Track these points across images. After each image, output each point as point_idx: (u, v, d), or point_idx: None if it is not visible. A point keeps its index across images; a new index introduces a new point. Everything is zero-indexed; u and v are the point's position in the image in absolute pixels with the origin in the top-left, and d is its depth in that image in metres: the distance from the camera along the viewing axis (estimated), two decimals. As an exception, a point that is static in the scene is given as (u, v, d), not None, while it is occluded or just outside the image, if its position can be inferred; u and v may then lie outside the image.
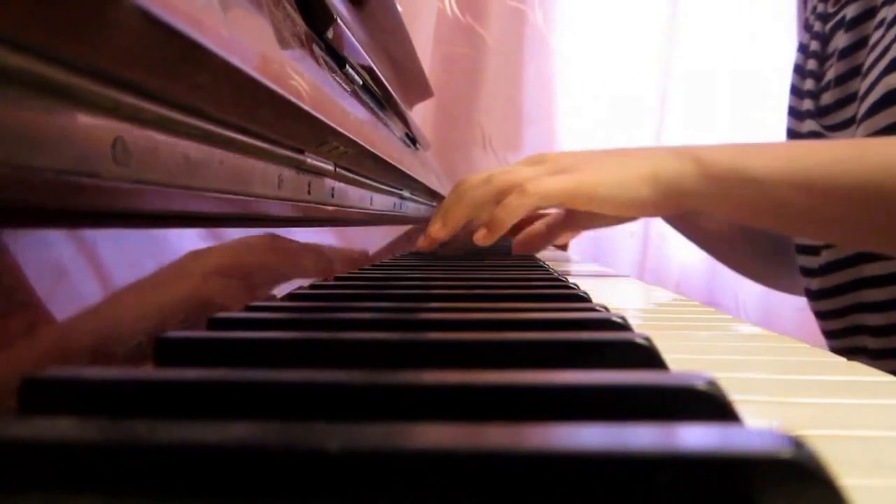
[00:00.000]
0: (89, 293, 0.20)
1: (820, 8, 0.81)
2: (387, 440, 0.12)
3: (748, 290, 1.57)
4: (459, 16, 1.61)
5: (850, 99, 0.72)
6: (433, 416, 0.16)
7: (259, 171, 0.32)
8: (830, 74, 0.75)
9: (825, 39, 0.79)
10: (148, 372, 0.21)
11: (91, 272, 0.21)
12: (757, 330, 0.36)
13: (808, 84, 0.79)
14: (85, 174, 0.19)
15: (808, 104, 0.79)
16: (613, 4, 1.62)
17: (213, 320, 0.26)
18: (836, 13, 0.77)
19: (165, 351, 0.22)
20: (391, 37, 0.82)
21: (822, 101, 0.77)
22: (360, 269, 0.54)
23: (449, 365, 0.21)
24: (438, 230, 0.68)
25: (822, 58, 0.79)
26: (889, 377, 0.25)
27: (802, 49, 0.84)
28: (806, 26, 0.85)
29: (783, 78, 1.54)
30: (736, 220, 0.66)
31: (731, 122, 1.57)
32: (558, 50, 1.62)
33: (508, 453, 0.12)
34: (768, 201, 0.57)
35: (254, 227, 0.35)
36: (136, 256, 0.24)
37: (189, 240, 0.28)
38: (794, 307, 1.56)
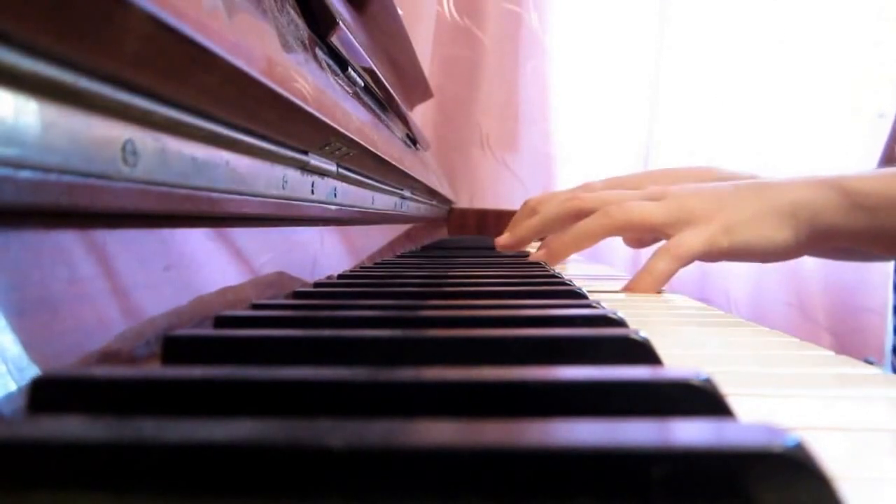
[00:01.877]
0: (100, 292, 0.21)
1: None
2: (389, 437, 0.12)
3: (739, 288, 1.57)
4: (458, 18, 1.62)
5: None
6: (434, 412, 0.16)
7: (264, 172, 0.33)
8: None
9: None
10: (156, 370, 0.21)
11: (102, 271, 0.21)
12: (749, 325, 0.36)
13: None
14: (96, 176, 0.19)
15: None
16: (607, 6, 1.63)
17: (219, 318, 0.27)
18: None
19: (173, 349, 0.23)
20: (392, 39, 0.82)
21: None
22: (362, 268, 0.54)
23: (449, 361, 0.22)
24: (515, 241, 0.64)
25: None
26: (877, 370, 0.25)
27: None
28: None
29: (775, 78, 1.54)
30: (881, 250, 0.57)
31: (724, 122, 1.58)
32: (553, 51, 1.63)
33: (508, 450, 0.12)
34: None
35: (259, 226, 0.35)
36: (144, 256, 0.24)
37: (196, 239, 0.28)
38: (784, 302, 1.57)
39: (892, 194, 0.51)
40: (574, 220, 0.58)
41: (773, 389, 0.23)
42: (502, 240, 0.67)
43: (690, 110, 1.60)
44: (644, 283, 0.52)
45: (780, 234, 0.52)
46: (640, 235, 0.62)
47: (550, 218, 0.62)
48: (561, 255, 0.61)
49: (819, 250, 0.61)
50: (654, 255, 0.53)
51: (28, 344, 0.17)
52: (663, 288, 0.53)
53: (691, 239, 0.52)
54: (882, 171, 0.56)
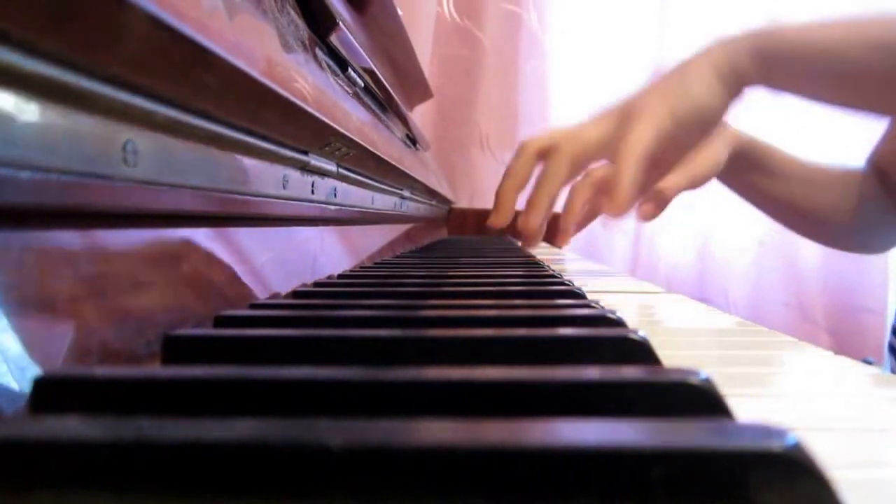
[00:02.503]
0: (100, 291, 0.21)
1: None
2: (387, 437, 0.12)
3: (738, 287, 1.57)
4: (457, 19, 1.62)
5: None
6: (433, 412, 0.16)
7: (265, 172, 0.33)
8: None
9: None
10: (157, 370, 0.21)
11: (102, 271, 0.21)
12: (747, 325, 0.36)
13: None
14: (96, 176, 0.19)
15: None
16: (606, 7, 1.63)
17: (219, 318, 0.27)
18: None
19: (174, 348, 0.23)
20: (392, 40, 0.82)
21: None
22: (361, 268, 0.54)
23: (449, 360, 0.22)
24: (526, 221, 0.63)
25: None
26: (876, 370, 0.25)
27: None
28: None
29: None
30: (794, 94, 0.64)
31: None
32: (553, 51, 1.63)
33: (507, 449, 0.12)
34: (817, 72, 0.57)
35: (260, 226, 0.35)
36: (145, 255, 0.24)
37: (197, 239, 0.28)
38: (782, 302, 1.57)
39: (793, 41, 0.58)
40: (536, 162, 0.60)
41: (772, 390, 0.23)
42: (491, 221, 0.66)
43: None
44: (618, 198, 0.53)
45: (715, 98, 0.58)
46: (601, 157, 0.61)
47: (516, 173, 0.63)
48: (539, 212, 0.61)
49: (741, 92, 0.63)
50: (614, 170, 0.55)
51: (29, 344, 0.17)
52: (662, 288, 0.53)
53: (638, 133, 0.54)
54: (792, 24, 0.61)
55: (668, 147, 0.57)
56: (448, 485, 0.12)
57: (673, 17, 1.62)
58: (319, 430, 0.13)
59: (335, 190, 0.47)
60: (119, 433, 0.13)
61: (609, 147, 0.57)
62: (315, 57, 0.40)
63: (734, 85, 0.59)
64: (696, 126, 0.59)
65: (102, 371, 0.18)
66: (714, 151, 0.69)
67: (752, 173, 0.79)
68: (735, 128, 0.70)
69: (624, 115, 0.57)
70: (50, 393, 0.17)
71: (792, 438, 0.12)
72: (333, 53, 0.49)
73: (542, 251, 1.02)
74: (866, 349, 1.48)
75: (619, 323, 0.27)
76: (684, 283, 1.56)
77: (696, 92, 0.57)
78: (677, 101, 0.57)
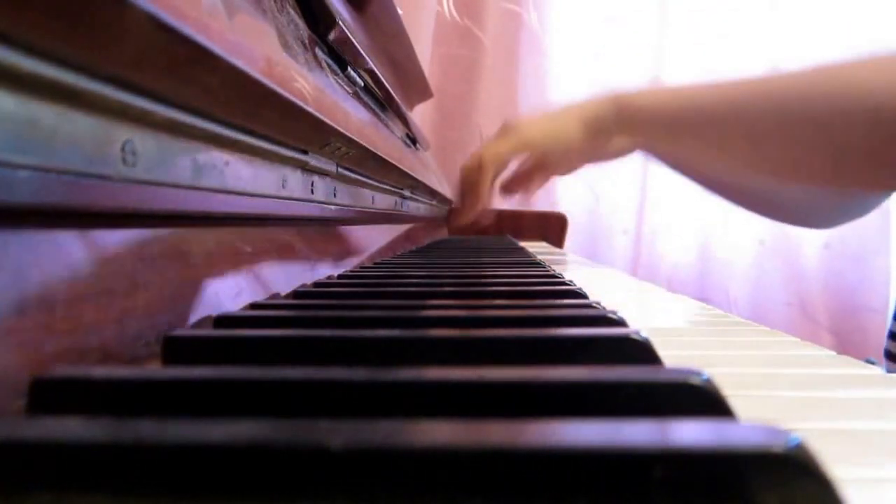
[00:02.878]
0: (99, 292, 0.21)
1: None
2: (388, 438, 0.12)
3: (739, 287, 1.57)
4: (457, 18, 1.62)
5: None
6: (434, 412, 0.16)
7: (264, 172, 0.33)
8: None
9: None
10: (156, 371, 0.21)
11: (101, 271, 0.21)
12: (748, 325, 0.36)
13: None
14: (95, 176, 0.19)
15: None
16: (606, 7, 1.63)
17: (219, 318, 0.27)
18: None
19: (173, 349, 0.23)
20: (392, 39, 0.82)
21: None
22: (361, 268, 0.54)
23: (449, 361, 0.22)
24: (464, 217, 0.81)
25: None
26: (878, 370, 0.25)
27: None
28: None
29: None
30: (654, 148, 0.78)
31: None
32: (553, 51, 1.63)
33: (508, 450, 0.12)
34: (667, 133, 0.66)
35: (259, 226, 0.35)
36: (144, 256, 0.24)
37: (196, 239, 0.28)
38: (784, 302, 1.57)
39: (643, 104, 0.68)
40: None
41: (773, 390, 0.23)
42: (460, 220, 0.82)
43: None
44: (470, 200, 0.74)
45: (572, 135, 0.72)
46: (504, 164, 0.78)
47: (462, 182, 0.79)
48: (474, 207, 0.78)
49: (602, 145, 0.75)
50: (475, 162, 0.74)
51: (27, 344, 0.17)
52: (663, 286, 0.54)
53: (503, 143, 0.74)
54: (657, 87, 0.74)
55: (537, 161, 0.79)
56: (449, 486, 0.12)
57: (672, 17, 1.62)
58: (320, 431, 0.13)
59: (335, 190, 0.47)
60: (118, 434, 0.13)
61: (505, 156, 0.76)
62: (315, 56, 0.40)
63: (595, 131, 0.71)
64: (557, 154, 0.76)
65: (101, 371, 0.18)
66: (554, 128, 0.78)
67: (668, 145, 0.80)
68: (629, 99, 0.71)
69: (513, 127, 0.76)
70: (48, 394, 0.17)
71: (794, 439, 0.12)
72: (333, 53, 0.49)
73: (542, 251, 1.01)
74: (868, 348, 1.48)
75: (620, 323, 0.27)
76: (685, 282, 1.57)
77: (558, 129, 0.73)
78: (540, 134, 0.74)
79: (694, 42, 1.60)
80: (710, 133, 0.63)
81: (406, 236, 0.88)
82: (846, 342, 1.52)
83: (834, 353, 0.28)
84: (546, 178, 0.85)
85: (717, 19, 1.59)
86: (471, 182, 0.77)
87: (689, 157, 0.77)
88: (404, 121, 0.85)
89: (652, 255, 1.62)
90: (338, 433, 0.12)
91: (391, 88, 0.71)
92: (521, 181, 0.87)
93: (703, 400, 0.16)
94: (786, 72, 0.63)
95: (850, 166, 0.57)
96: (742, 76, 0.64)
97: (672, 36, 1.61)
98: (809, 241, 1.53)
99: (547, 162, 0.81)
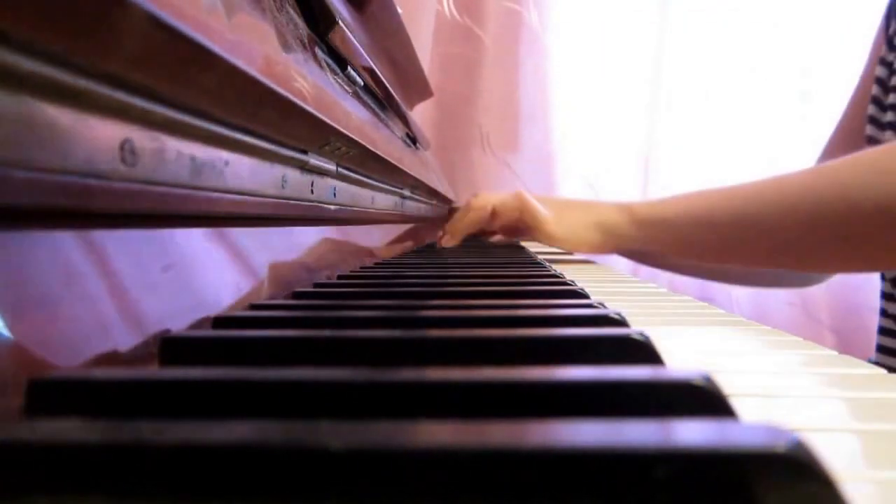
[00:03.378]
0: (98, 293, 0.21)
1: None
2: (388, 439, 0.12)
3: (741, 287, 1.57)
4: (457, 17, 1.62)
5: None
6: (435, 413, 0.16)
7: (264, 172, 0.33)
8: None
9: None
10: (154, 372, 0.21)
11: (100, 272, 0.21)
12: (751, 324, 0.36)
13: (892, 98, 0.84)
14: (94, 176, 0.19)
15: (890, 116, 0.84)
16: (607, 5, 1.63)
17: (217, 319, 0.27)
18: None
19: (171, 350, 0.23)
20: (391, 38, 0.82)
21: None
22: (361, 268, 0.54)
23: (450, 361, 0.22)
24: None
25: None
26: (880, 370, 0.25)
27: (887, 65, 0.88)
28: (890, 45, 0.89)
29: (775, 75, 1.54)
30: (666, 253, 0.84)
31: (725, 120, 1.58)
32: (554, 50, 1.63)
33: (509, 451, 0.12)
34: (680, 238, 0.73)
35: (258, 226, 0.35)
36: (143, 256, 0.24)
37: (195, 240, 0.28)
38: (786, 302, 1.57)
39: (655, 212, 0.76)
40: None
41: (775, 390, 0.23)
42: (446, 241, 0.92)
43: (691, 109, 1.61)
44: (452, 227, 0.87)
45: (588, 237, 0.80)
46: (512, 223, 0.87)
47: (461, 218, 0.91)
48: (458, 235, 0.90)
49: (615, 252, 0.86)
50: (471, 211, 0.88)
51: (26, 344, 0.17)
52: (666, 288, 0.55)
53: (540, 210, 0.82)
54: (663, 198, 0.79)
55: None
56: (450, 487, 0.12)
57: (673, 15, 1.62)
58: (319, 432, 0.13)
59: (335, 189, 0.47)
60: (117, 436, 0.13)
61: (509, 218, 0.86)
62: (314, 56, 0.40)
63: (612, 238, 0.79)
64: (566, 244, 0.83)
65: (99, 373, 0.18)
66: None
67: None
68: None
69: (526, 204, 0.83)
70: (45, 395, 0.17)
71: (796, 439, 0.12)
72: (333, 52, 0.48)
73: (543, 251, 1.01)
74: (870, 348, 1.48)
75: (621, 322, 0.27)
76: (688, 282, 1.56)
77: (578, 234, 0.80)
78: (561, 235, 0.81)
79: (695, 41, 1.60)
80: (728, 240, 0.69)
81: (406, 236, 0.88)
82: (849, 341, 1.51)
83: (836, 352, 0.28)
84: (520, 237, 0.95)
85: (717, 19, 1.59)
86: (467, 222, 0.88)
87: (695, 260, 0.85)
88: (404, 120, 0.85)
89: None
90: (337, 434, 0.12)
91: (391, 88, 0.71)
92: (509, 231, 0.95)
93: (704, 400, 0.16)
94: (789, 174, 0.69)
95: (863, 254, 0.63)
96: (746, 181, 0.71)
97: (673, 34, 1.61)
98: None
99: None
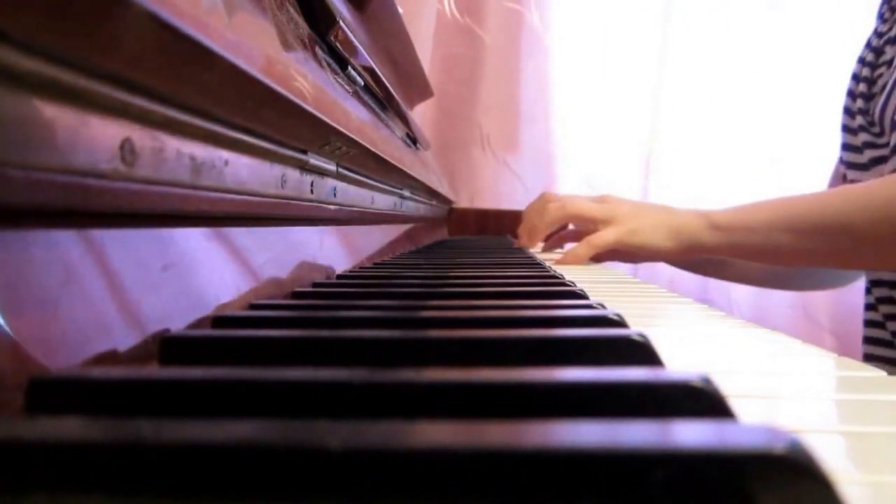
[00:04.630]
0: (97, 292, 0.21)
1: (881, 28, 0.90)
2: (387, 439, 0.12)
3: (741, 289, 1.57)
4: (458, 17, 1.62)
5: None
6: (434, 413, 0.16)
7: (263, 172, 0.32)
8: (878, 85, 0.84)
9: (877, 51, 0.88)
10: (153, 371, 0.21)
11: (99, 271, 0.21)
12: (750, 326, 0.36)
13: (860, 103, 0.87)
14: (94, 175, 0.19)
15: (859, 120, 0.87)
16: (609, 5, 1.63)
17: (217, 319, 0.27)
18: (889, 30, 0.86)
19: (170, 350, 0.22)
20: (392, 38, 0.82)
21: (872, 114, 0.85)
22: (361, 268, 0.54)
23: (449, 361, 0.22)
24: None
25: (873, 66, 0.87)
26: (880, 372, 0.25)
27: (865, 64, 0.91)
28: (867, 45, 0.91)
29: (777, 76, 1.54)
30: (742, 258, 0.87)
31: (727, 121, 1.58)
32: (555, 50, 1.63)
33: (508, 451, 0.12)
34: (762, 243, 0.76)
35: (258, 226, 0.35)
36: (142, 256, 0.24)
37: (195, 239, 0.28)
38: (786, 304, 1.56)
39: (736, 220, 0.77)
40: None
41: (775, 392, 0.23)
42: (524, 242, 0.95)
43: (693, 110, 1.60)
44: (570, 258, 0.81)
45: (667, 243, 0.80)
46: (584, 226, 0.88)
47: (534, 221, 0.93)
48: (538, 236, 0.92)
49: (693, 259, 0.90)
50: (580, 243, 0.82)
51: (25, 344, 0.17)
52: (666, 289, 0.55)
53: (608, 234, 0.81)
54: (740, 206, 0.81)
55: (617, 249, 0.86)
56: (449, 487, 0.12)
57: (676, 15, 1.61)
58: (319, 431, 0.12)
59: (334, 189, 0.47)
60: (116, 435, 0.13)
61: (585, 223, 0.86)
62: (315, 55, 0.40)
63: (688, 244, 0.80)
64: (640, 256, 0.87)
65: (98, 372, 0.18)
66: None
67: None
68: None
69: (612, 211, 0.84)
70: (45, 394, 0.17)
71: (795, 440, 0.12)
72: (333, 52, 0.48)
73: (543, 252, 1.01)
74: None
75: (620, 323, 0.27)
76: (687, 284, 1.56)
77: (653, 238, 0.81)
78: (635, 235, 0.81)
79: (698, 41, 1.59)
80: (814, 244, 0.73)
81: (406, 236, 0.88)
82: (847, 344, 1.51)
83: (835, 354, 0.28)
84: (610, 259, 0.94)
85: (721, 20, 1.58)
86: (549, 221, 0.89)
87: (769, 263, 0.90)
88: (405, 120, 0.85)
89: None
90: (337, 433, 0.12)
91: (391, 87, 0.71)
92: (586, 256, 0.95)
93: (703, 401, 0.16)
94: (859, 184, 0.76)
95: None
96: (816, 192, 0.78)
97: (676, 34, 1.60)
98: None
99: (626, 256, 0.92)
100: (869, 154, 0.85)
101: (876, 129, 0.83)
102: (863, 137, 0.85)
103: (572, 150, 1.63)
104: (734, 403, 0.17)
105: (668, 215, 0.82)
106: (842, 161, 0.91)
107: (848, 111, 0.90)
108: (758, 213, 0.77)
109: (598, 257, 0.91)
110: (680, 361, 0.26)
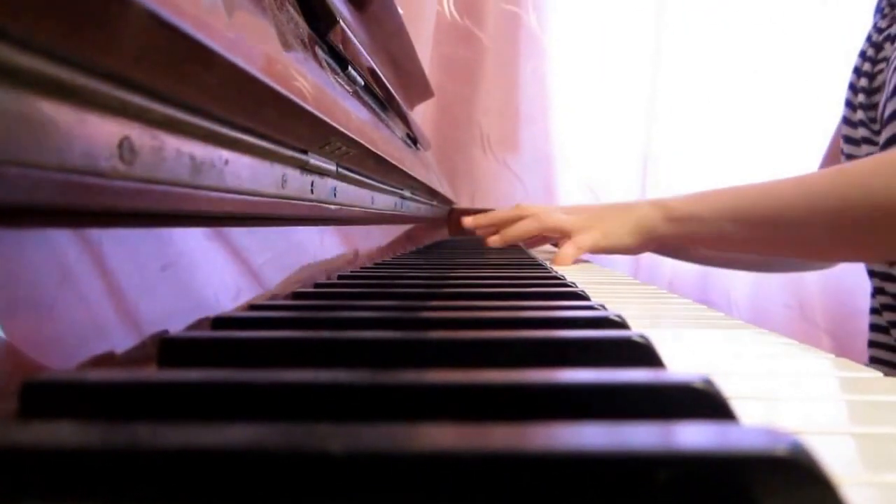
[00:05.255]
0: (95, 292, 0.21)
1: (881, 23, 0.90)
2: (388, 442, 0.12)
3: (740, 289, 1.57)
4: (458, 18, 1.62)
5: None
6: (434, 415, 0.16)
7: (263, 171, 0.32)
8: (879, 80, 0.85)
9: (877, 47, 0.88)
10: (151, 374, 0.21)
11: (97, 271, 0.21)
12: (749, 327, 0.36)
13: (861, 98, 0.88)
14: (92, 173, 0.19)
15: (860, 115, 0.87)
16: (604, 8, 1.64)
17: (216, 320, 0.26)
18: (888, 27, 0.87)
19: (169, 351, 0.22)
20: (392, 38, 0.82)
21: (875, 110, 0.86)
22: (361, 269, 0.54)
23: (450, 363, 0.22)
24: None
25: (874, 61, 0.88)
26: (877, 373, 0.25)
27: (866, 59, 0.91)
28: (868, 40, 0.92)
29: (772, 77, 1.54)
30: (701, 247, 0.93)
31: (722, 122, 1.59)
32: (552, 52, 1.63)
33: (510, 454, 0.12)
34: (715, 233, 0.78)
35: (258, 226, 0.35)
36: (141, 256, 0.24)
37: (194, 239, 0.28)
38: (784, 304, 1.56)
39: (690, 209, 0.81)
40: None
41: (773, 393, 0.23)
42: (467, 221, 1.02)
43: (688, 110, 1.61)
44: (560, 260, 0.84)
45: (631, 239, 0.86)
46: (554, 236, 0.95)
47: (500, 219, 0.98)
48: (509, 241, 0.94)
49: (659, 249, 0.94)
50: (565, 245, 0.87)
51: (21, 345, 0.17)
52: (666, 290, 0.56)
53: (586, 238, 0.87)
54: (692, 193, 0.84)
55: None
56: (452, 491, 0.12)
57: (670, 17, 1.62)
58: (319, 434, 0.12)
59: (335, 190, 0.47)
60: (112, 439, 0.13)
61: (563, 234, 0.90)
62: (315, 55, 0.40)
63: (647, 239, 0.85)
64: (612, 251, 0.90)
65: (95, 375, 0.18)
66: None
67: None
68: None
69: (584, 221, 0.89)
70: (39, 397, 0.16)
71: (795, 442, 0.12)
72: (333, 52, 0.48)
73: (543, 252, 1.01)
74: (866, 352, 1.48)
75: (621, 324, 0.26)
76: (687, 284, 1.56)
77: (616, 239, 0.87)
78: (606, 238, 0.87)
79: (694, 41, 1.60)
80: (760, 235, 0.76)
81: (406, 237, 0.88)
82: (845, 345, 1.51)
83: (833, 355, 0.28)
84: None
85: (716, 20, 1.59)
86: (522, 231, 0.92)
87: (725, 251, 0.93)
88: (405, 120, 0.85)
89: (653, 257, 1.61)
90: (338, 437, 0.12)
91: (392, 88, 0.71)
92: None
93: (705, 403, 0.16)
94: (814, 174, 0.77)
95: (884, 247, 0.71)
96: (774, 179, 0.77)
97: (670, 37, 1.61)
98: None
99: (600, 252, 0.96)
100: (865, 149, 0.85)
101: (876, 126, 0.84)
102: (862, 132, 0.86)
103: (571, 151, 1.64)
104: (735, 405, 0.16)
105: (628, 213, 0.87)
106: (842, 152, 0.91)
107: (850, 104, 0.90)
108: (709, 202, 0.80)
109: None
110: (680, 362, 0.26)
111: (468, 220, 1.01)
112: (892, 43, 0.84)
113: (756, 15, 1.58)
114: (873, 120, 0.84)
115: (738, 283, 1.57)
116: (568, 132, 1.64)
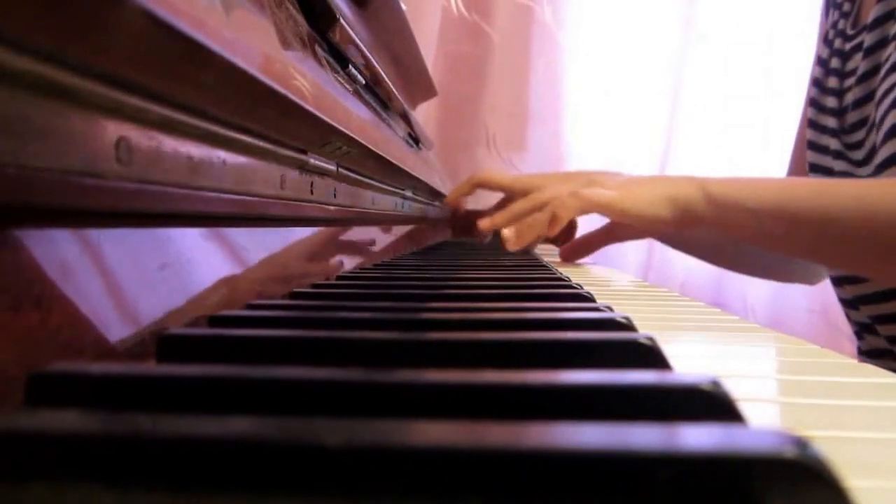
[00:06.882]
0: (93, 292, 0.20)
1: (840, 24, 0.85)
2: (386, 436, 0.12)
3: (757, 293, 1.52)
4: (465, 13, 1.58)
5: (864, 123, 0.77)
6: (434, 414, 0.16)
7: (262, 172, 0.32)
8: (849, 98, 0.80)
9: (845, 57, 0.83)
10: (151, 368, 0.21)
11: (95, 271, 0.21)
12: (764, 331, 0.36)
13: (831, 102, 0.83)
14: (88, 174, 0.19)
15: (831, 121, 0.83)
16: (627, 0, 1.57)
17: (214, 318, 0.26)
18: (855, 35, 0.82)
19: (168, 348, 0.22)
20: (395, 36, 0.81)
21: (843, 120, 0.81)
22: (361, 269, 0.54)
23: (452, 364, 0.21)
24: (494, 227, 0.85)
25: (841, 75, 0.83)
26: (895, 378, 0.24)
27: (822, 63, 0.87)
28: (825, 40, 0.88)
29: (797, 78, 1.52)
30: (731, 238, 0.82)
31: (741, 121, 1.54)
32: (568, 47, 1.56)
33: (510, 451, 0.12)
34: (754, 225, 0.70)
35: (257, 226, 0.35)
36: (139, 256, 0.24)
37: (192, 240, 0.28)
38: (805, 309, 1.53)
39: (734, 195, 0.71)
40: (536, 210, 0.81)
41: (788, 396, 0.22)
42: (485, 223, 0.87)
43: (713, 111, 1.53)
44: (558, 214, 0.75)
45: (662, 210, 0.73)
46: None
47: (520, 211, 0.83)
48: (527, 239, 0.80)
49: (684, 230, 0.78)
50: (568, 195, 0.76)
51: (23, 340, 0.17)
52: (677, 293, 0.55)
53: (601, 192, 0.75)
54: (741, 178, 0.75)
55: (610, 228, 0.84)
56: (447, 485, 0.11)
57: (699, 10, 1.54)
58: (316, 428, 0.12)
59: (335, 190, 0.47)
60: (115, 426, 0.13)
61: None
62: (314, 53, 0.40)
63: (685, 215, 0.73)
64: (635, 228, 0.80)
65: (97, 368, 0.18)
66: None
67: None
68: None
69: (590, 179, 0.81)
70: (44, 389, 0.17)
71: (806, 444, 0.12)
72: (333, 50, 0.48)
73: (550, 254, 1.01)
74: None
75: (628, 326, 0.26)
76: (700, 287, 1.53)
77: (648, 206, 0.74)
78: (628, 201, 0.74)
79: (720, 38, 1.53)
80: (804, 235, 0.68)
81: (407, 238, 0.88)
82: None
83: (853, 360, 0.28)
84: (608, 244, 0.86)
85: (742, 20, 1.53)
86: (519, 211, 0.81)
87: (762, 248, 0.82)
88: (407, 120, 0.85)
89: (664, 259, 1.57)
90: (335, 431, 0.12)
91: (393, 86, 0.71)
92: (588, 247, 0.87)
93: (713, 405, 0.16)
94: (874, 180, 0.70)
95: None
96: (826, 179, 0.72)
97: (699, 30, 1.53)
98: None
99: (622, 232, 0.84)
100: (840, 165, 0.81)
101: (856, 156, 0.79)
102: (833, 145, 0.82)
103: (582, 152, 1.57)
104: (745, 407, 0.16)
105: (663, 184, 0.75)
106: (810, 166, 0.86)
107: (814, 124, 0.86)
108: (755, 191, 0.71)
109: (590, 245, 0.87)
110: (690, 365, 0.25)
111: (485, 223, 0.87)
112: (865, 56, 0.78)
113: (783, 21, 1.53)
114: (850, 146, 0.80)
115: (756, 286, 1.51)
116: (580, 133, 1.57)
